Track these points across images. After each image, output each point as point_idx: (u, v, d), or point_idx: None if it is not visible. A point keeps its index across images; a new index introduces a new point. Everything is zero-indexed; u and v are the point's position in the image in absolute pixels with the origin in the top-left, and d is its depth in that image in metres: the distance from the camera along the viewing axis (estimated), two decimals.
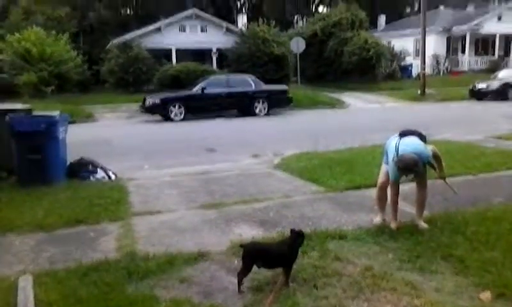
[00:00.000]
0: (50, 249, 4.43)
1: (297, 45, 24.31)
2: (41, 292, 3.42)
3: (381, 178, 4.79)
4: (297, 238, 3.61)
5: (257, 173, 7.72)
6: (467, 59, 34.42)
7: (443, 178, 4.72)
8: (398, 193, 4.57)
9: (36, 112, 7.84)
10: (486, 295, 3.29)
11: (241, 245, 3.65)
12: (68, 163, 7.42)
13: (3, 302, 3.36)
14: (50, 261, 4.15)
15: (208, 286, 3.56)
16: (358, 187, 6.32)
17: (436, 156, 4.57)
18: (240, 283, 3.43)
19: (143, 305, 3.23)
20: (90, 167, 7.43)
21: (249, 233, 4.69)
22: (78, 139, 9.09)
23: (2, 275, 3.82)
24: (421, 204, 4.71)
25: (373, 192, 5.11)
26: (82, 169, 7.35)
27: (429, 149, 4.45)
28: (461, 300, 3.26)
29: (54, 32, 23.52)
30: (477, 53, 35.62)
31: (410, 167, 4.23)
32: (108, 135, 12.99)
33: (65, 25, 27.84)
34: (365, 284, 3.46)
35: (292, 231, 3.65)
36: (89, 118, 18.00)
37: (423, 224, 4.62)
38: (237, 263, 3.75)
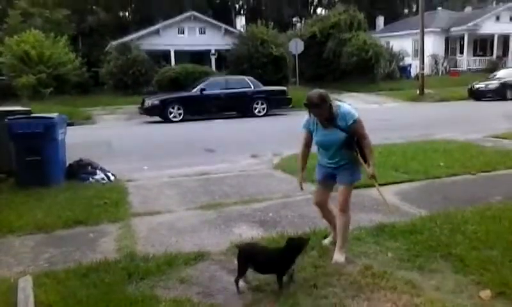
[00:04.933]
0: (50, 250, 4.43)
1: (296, 46, 24.35)
2: (41, 293, 3.42)
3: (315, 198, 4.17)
4: (291, 248, 3.43)
5: (257, 174, 7.72)
6: (465, 60, 34.54)
7: (374, 177, 3.90)
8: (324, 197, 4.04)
9: (34, 114, 7.82)
10: (485, 294, 3.29)
11: (236, 246, 3.64)
12: (67, 164, 7.42)
13: (3, 303, 3.35)
14: (50, 262, 4.15)
15: (208, 286, 3.56)
16: (357, 187, 6.31)
17: (366, 143, 3.90)
18: (237, 283, 3.41)
19: (143, 305, 3.22)
20: (89, 168, 7.42)
21: (249, 233, 4.69)
22: (77, 141, 9.08)
23: (2, 276, 3.81)
24: (341, 231, 3.88)
25: (373, 192, 5.08)
26: (81, 171, 7.34)
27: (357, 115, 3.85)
28: (460, 298, 3.26)
29: (52, 34, 23.55)
30: (475, 53, 35.73)
31: (313, 101, 3.64)
32: (107, 136, 12.96)
33: (64, 28, 27.89)
34: (365, 283, 3.46)
35: (289, 240, 3.53)
36: (88, 119, 17.96)
37: (339, 258, 3.83)
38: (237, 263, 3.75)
